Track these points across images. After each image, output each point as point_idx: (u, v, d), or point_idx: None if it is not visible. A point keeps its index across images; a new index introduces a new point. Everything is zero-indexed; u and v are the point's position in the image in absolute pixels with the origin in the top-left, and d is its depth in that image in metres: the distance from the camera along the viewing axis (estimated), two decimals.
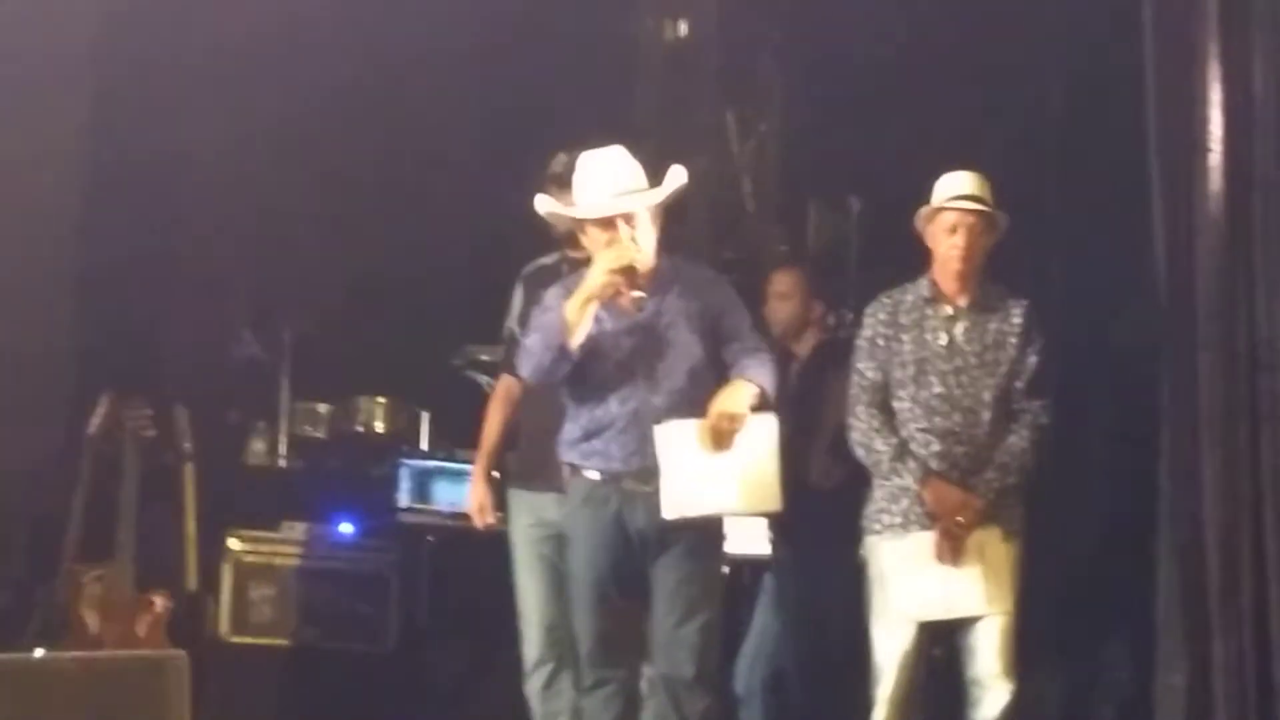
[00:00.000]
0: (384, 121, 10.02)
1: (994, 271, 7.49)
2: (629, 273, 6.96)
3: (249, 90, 10.09)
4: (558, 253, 7.62)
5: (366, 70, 10.11)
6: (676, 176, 7.11)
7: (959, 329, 7.37)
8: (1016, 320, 7.38)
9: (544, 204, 7.20)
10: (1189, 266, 7.22)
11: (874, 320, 7.47)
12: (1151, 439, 7.42)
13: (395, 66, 10.12)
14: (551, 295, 7.19)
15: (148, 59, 10.26)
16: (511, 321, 7.78)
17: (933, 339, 7.37)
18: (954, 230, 7.35)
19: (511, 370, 7.63)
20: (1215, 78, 7.17)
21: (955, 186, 7.39)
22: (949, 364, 7.34)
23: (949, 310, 7.39)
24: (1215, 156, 7.15)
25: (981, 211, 7.34)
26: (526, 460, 7.82)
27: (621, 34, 10.39)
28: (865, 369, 7.42)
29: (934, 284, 7.42)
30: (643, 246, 6.99)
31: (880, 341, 7.43)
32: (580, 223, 7.11)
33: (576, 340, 6.99)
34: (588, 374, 7.12)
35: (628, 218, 7.00)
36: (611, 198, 7.01)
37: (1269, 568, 6.93)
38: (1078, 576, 8.15)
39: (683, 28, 10.42)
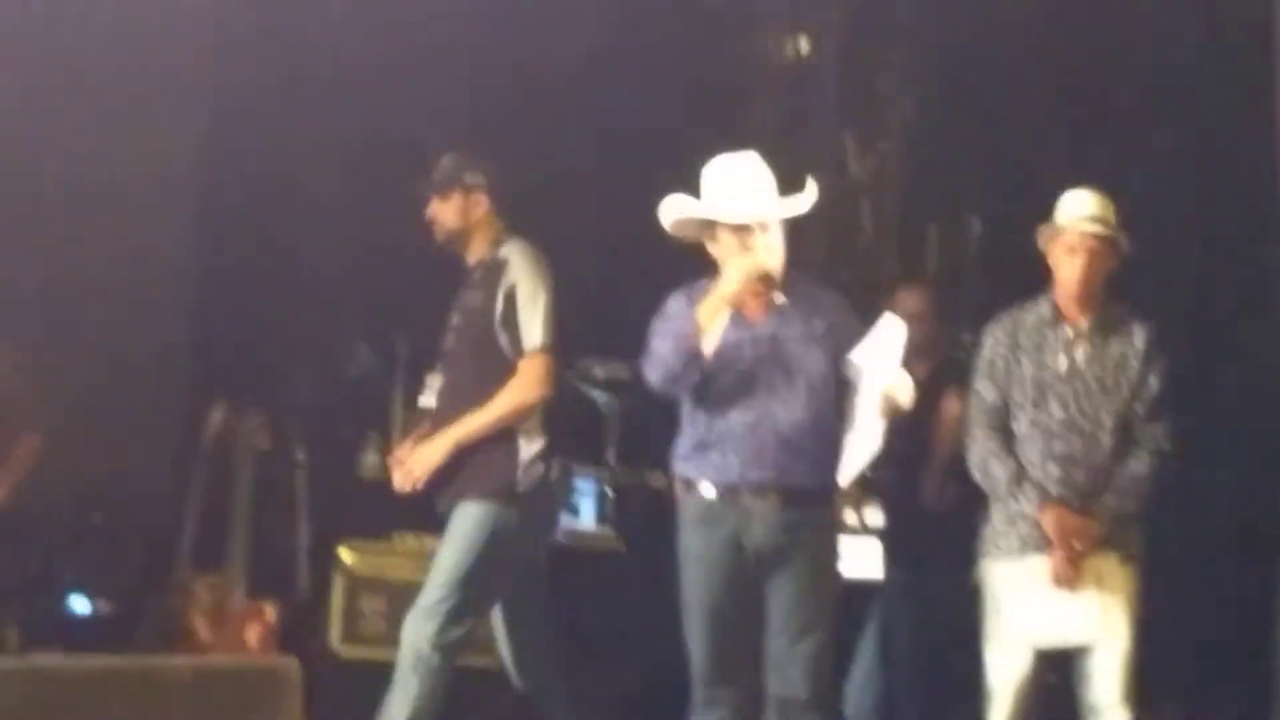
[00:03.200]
0: (506, 138, 10.01)
1: (1119, 291, 7.43)
2: (765, 279, 6.95)
3: (366, 108, 10.14)
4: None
5: (488, 88, 10.14)
6: (813, 190, 7.11)
7: (1080, 351, 7.31)
8: (1139, 343, 7.31)
9: (671, 206, 7.17)
10: None
11: (994, 340, 7.41)
12: (1275, 467, 7.37)
13: (520, 84, 10.15)
14: (674, 304, 7.19)
15: (264, 78, 10.35)
16: None
17: (1053, 361, 7.31)
18: (1074, 252, 7.28)
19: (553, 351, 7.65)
20: None
21: (1078, 207, 7.32)
22: (1069, 387, 7.27)
23: (1070, 332, 7.32)
24: None
25: (1105, 234, 7.27)
26: None
27: (743, 50, 10.37)
28: (984, 390, 7.36)
29: (1055, 305, 7.35)
30: (776, 254, 6.98)
31: (1000, 363, 7.37)
32: (711, 227, 7.10)
33: (710, 346, 6.98)
34: (709, 383, 7.10)
35: (763, 225, 7.00)
36: (749, 204, 7.02)
37: None
38: (1198, 605, 8.06)
39: (804, 45, 10.39)
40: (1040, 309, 7.39)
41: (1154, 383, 7.28)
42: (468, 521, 7.58)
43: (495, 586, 7.65)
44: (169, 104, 10.52)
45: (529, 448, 7.59)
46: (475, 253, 7.85)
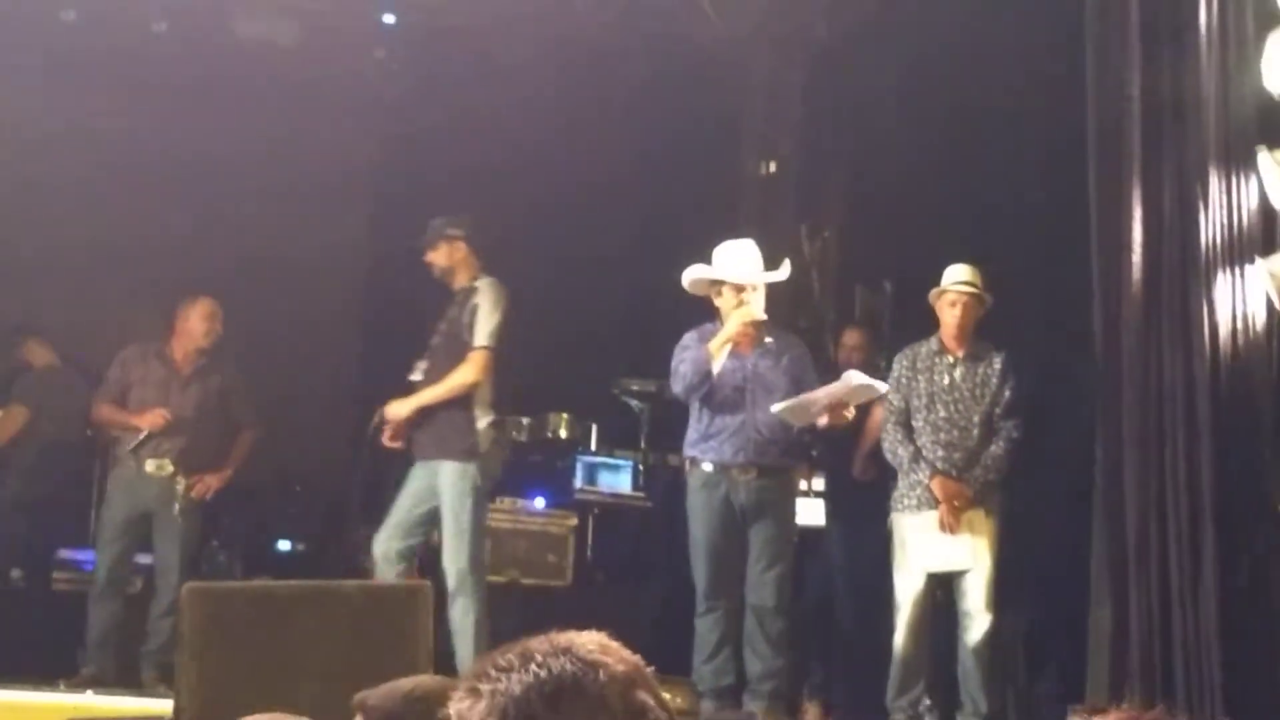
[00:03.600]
0: (566, 228, 10.04)
1: (983, 329, 7.46)
2: (755, 325, 7.05)
3: (494, 207, 10.10)
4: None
5: (564, 190, 10.09)
6: (787, 267, 7.22)
7: (957, 372, 7.36)
8: (997, 365, 7.37)
9: (694, 271, 7.24)
10: (1118, 328, 7.13)
11: (899, 365, 7.46)
12: (1090, 448, 7.34)
13: (579, 190, 10.13)
14: (688, 338, 7.29)
15: (418, 175, 10.32)
16: None
17: (939, 379, 7.35)
18: (954, 305, 7.34)
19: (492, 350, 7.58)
20: (1136, 201, 7.08)
21: (955, 275, 7.40)
22: (950, 396, 7.33)
23: (950, 359, 7.37)
24: (1136, 255, 7.08)
25: (973, 293, 7.33)
26: None
27: (729, 169, 10.37)
28: (893, 399, 7.40)
29: (940, 341, 7.40)
30: (761, 308, 7.07)
31: (903, 380, 7.41)
32: (718, 287, 7.15)
33: (716, 368, 7.08)
34: (714, 394, 7.18)
35: (754, 287, 7.09)
36: (747, 271, 7.09)
37: (1169, 539, 6.83)
38: (1038, 543, 8.03)
39: (772, 166, 10.39)
40: (930, 344, 7.43)
41: (1007, 393, 7.34)
42: (453, 477, 7.42)
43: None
44: (339, 199, 10.53)
45: (483, 420, 7.52)
46: (458, 282, 7.76)
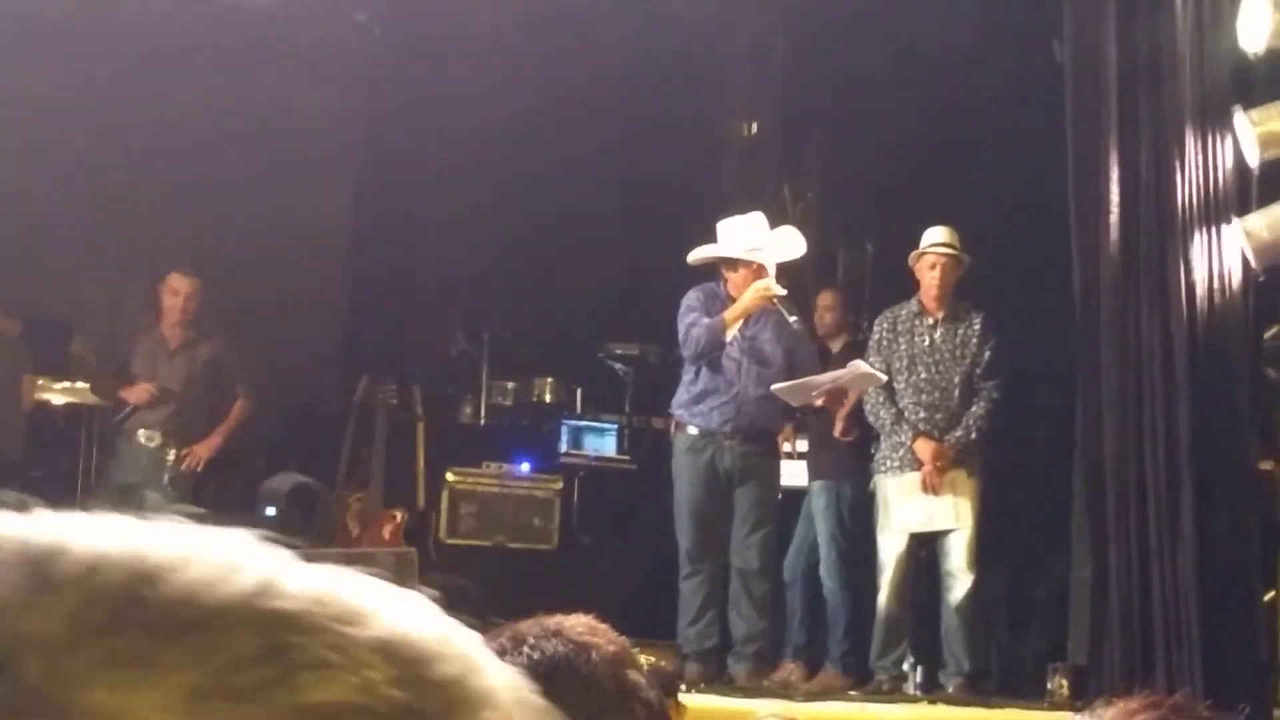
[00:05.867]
0: (550, 193, 10.04)
1: (963, 291, 7.52)
2: (773, 299, 7.09)
3: (478, 173, 10.12)
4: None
5: (547, 157, 10.13)
6: (801, 243, 7.33)
7: (938, 333, 7.41)
8: (977, 326, 7.42)
9: (709, 249, 7.30)
10: (1096, 288, 7.21)
11: (880, 328, 7.52)
12: (1070, 408, 7.43)
13: (563, 157, 10.14)
14: (691, 298, 7.32)
15: (401, 140, 10.33)
16: None
17: (920, 340, 7.41)
18: (933, 267, 7.39)
19: None
20: (1113, 161, 7.15)
21: (934, 236, 7.45)
22: (931, 357, 7.38)
23: (930, 321, 7.43)
24: (1113, 215, 7.15)
25: (952, 254, 7.39)
26: None
27: (713, 132, 10.39)
28: (874, 361, 7.46)
29: (920, 303, 7.46)
30: (775, 282, 7.11)
31: (884, 342, 7.47)
32: (733, 263, 7.20)
33: (729, 337, 7.13)
34: (711, 360, 7.25)
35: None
36: (770, 251, 7.16)
37: (1148, 498, 6.92)
38: (1020, 502, 8.12)
39: (754, 128, 10.43)
40: (911, 306, 7.49)
41: (987, 354, 7.39)
42: None
43: None
44: (324, 172, 10.52)
45: None
46: None
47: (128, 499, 8.20)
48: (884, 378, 7.31)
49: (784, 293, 7.18)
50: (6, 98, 9.41)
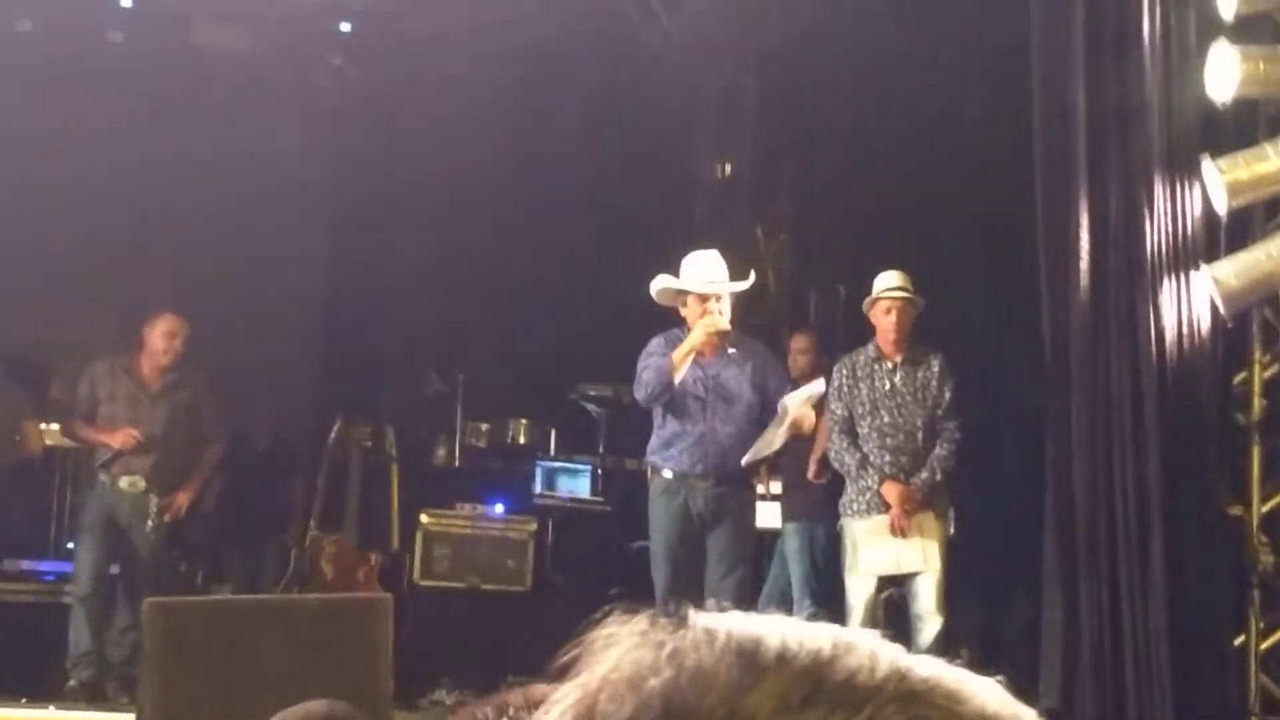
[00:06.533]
0: (524, 235, 10.09)
1: (925, 332, 7.57)
2: (720, 335, 7.11)
3: (452, 215, 10.17)
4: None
5: (521, 198, 10.18)
6: (752, 276, 7.28)
7: (897, 377, 7.44)
8: (935, 368, 7.44)
9: (660, 281, 7.29)
10: (1065, 333, 7.28)
11: (839, 375, 7.54)
12: (1040, 450, 7.48)
13: (537, 198, 10.21)
14: (654, 344, 7.30)
15: (376, 182, 10.37)
16: None
17: (880, 385, 7.43)
18: (889, 311, 7.43)
19: None
20: (1083, 208, 7.23)
21: (887, 280, 7.49)
22: (892, 401, 7.41)
23: (889, 365, 7.45)
24: (1083, 261, 7.23)
25: (906, 297, 7.43)
26: None
27: (687, 174, 10.46)
28: (836, 408, 7.48)
29: (878, 347, 7.49)
30: (726, 317, 7.14)
31: (845, 388, 7.48)
32: (684, 296, 7.22)
33: (678, 377, 7.13)
34: (676, 402, 7.24)
35: (718, 296, 7.14)
36: (713, 283, 7.16)
37: (1118, 540, 6.98)
38: (989, 543, 8.16)
39: (728, 169, 10.50)
40: (868, 351, 7.52)
41: (947, 394, 7.41)
42: None
43: None
44: (298, 217, 10.55)
45: None
46: None
47: (114, 542, 8.22)
48: (819, 384, 7.30)
49: (728, 327, 7.18)
50: None
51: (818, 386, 7.29)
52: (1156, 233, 6.98)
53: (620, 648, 0.97)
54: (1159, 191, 6.98)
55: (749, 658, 0.91)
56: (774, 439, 7.20)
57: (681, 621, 0.96)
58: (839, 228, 9.62)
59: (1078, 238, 7.22)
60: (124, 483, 8.23)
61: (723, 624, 0.94)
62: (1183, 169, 6.96)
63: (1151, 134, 7.02)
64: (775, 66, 10.01)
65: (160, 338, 8.35)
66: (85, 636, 8.09)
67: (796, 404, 7.17)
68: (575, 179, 10.11)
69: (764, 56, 10.09)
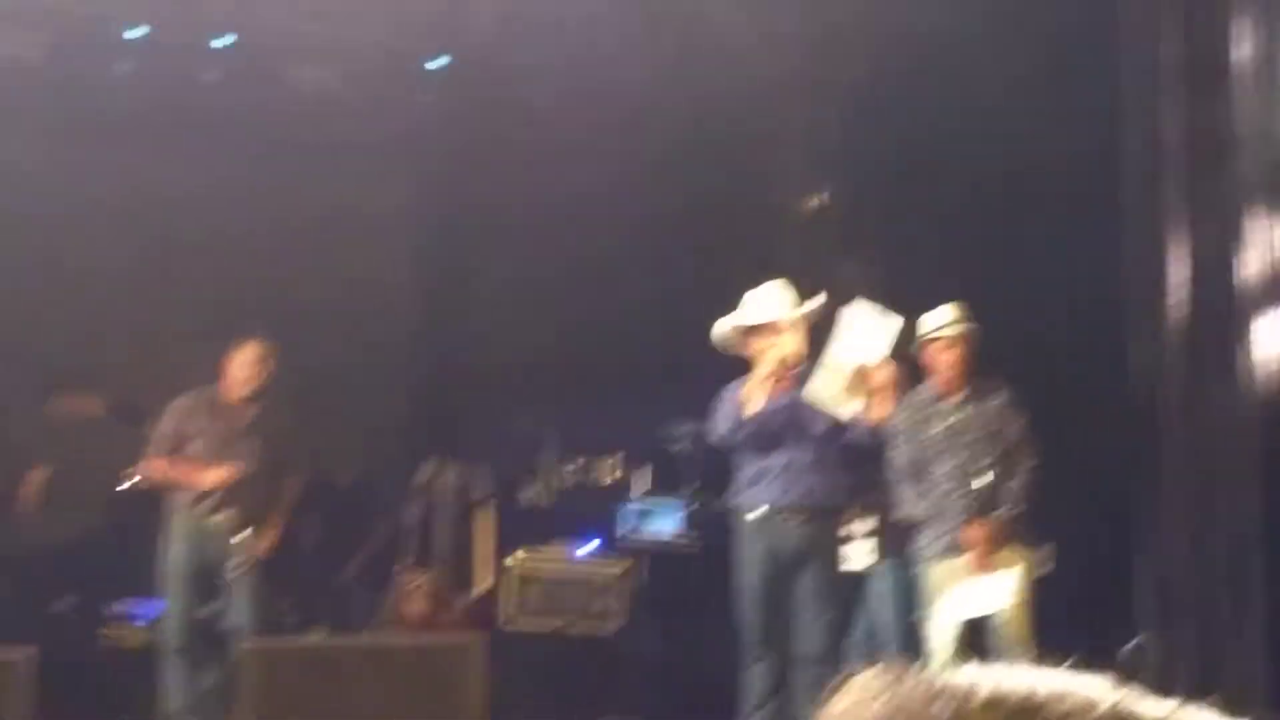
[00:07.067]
0: (613, 272, 10.10)
1: (993, 365, 7.41)
2: (786, 363, 7.03)
3: (541, 252, 10.19)
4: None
5: (611, 233, 10.19)
6: (816, 300, 7.18)
7: (964, 414, 7.31)
8: (1003, 403, 7.32)
9: (721, 324, 7.24)
10: (1157, 368, 7.21)
11: (902, 416, 7.28)
12: (1125, 484, 7.39)
13: (627, 233, 10.21)
14: (728, 391, 7.27)
15: (464, 218, 10.40)
16: None
17: (949, 424, 7.30)
18: (951, 347, 7.32)
19: None
20: (1175, 243, 7.17)
21: (943, 317, 7.37)
22: (961, 440, 7.28)
23: (955, 401, 7.34)
24: (1176, 295, 7.15)
25: (966, 330, 7.33)
26: None
27: (772, 210, 10.42)
28: (895, 458, 7.34)
29: (940, 385, 7.37)
30: (797, 346, 7.06)
31: (908, 430, 7.30)
32: (748, 336, 7.16)
33: (751, 411, 7.07)
34: (754, 439, 7.19)
35: (784, 327, 7.07)
36: (770, 311, 7.10)
37: (1215, 577, 6.89)
38: (1082, 579, 8.06)
39: (814, 204, 10.46)
40: (927, 391, 7.41)
41: (1017, 427, 7.30)
42: None
43: None
44: (378, 253, 10.63)
45: None
46: None
47: (203, 585, 8.07)
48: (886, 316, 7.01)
49: (796, 351, 7.07)
50: (87, 179, 9.61)
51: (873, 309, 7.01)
52: (1251, 265, 6.89)
53: (845, 699, 1.04)
54: (1253, 223, 6.89)
55: (962, 701, 0.98)
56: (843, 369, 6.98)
57: (900, 672, 1.04)
58: (925, 259, 9.55)
59: (1168, 272, 7.15)
60: (213, 520, 7.99)
61: (938, 674, 1.01)
62: (1277, 200, 6.88)
63: (1246, 165, 6.94)
64: (859, 99, 9.99)
65: (246, 364, 8.14)
66: (180, 695, 7.91)
67: (861, 314, 6.97)
68: (664, 212, 10.12)
69: (848, 87, 10.06)
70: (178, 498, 8.14)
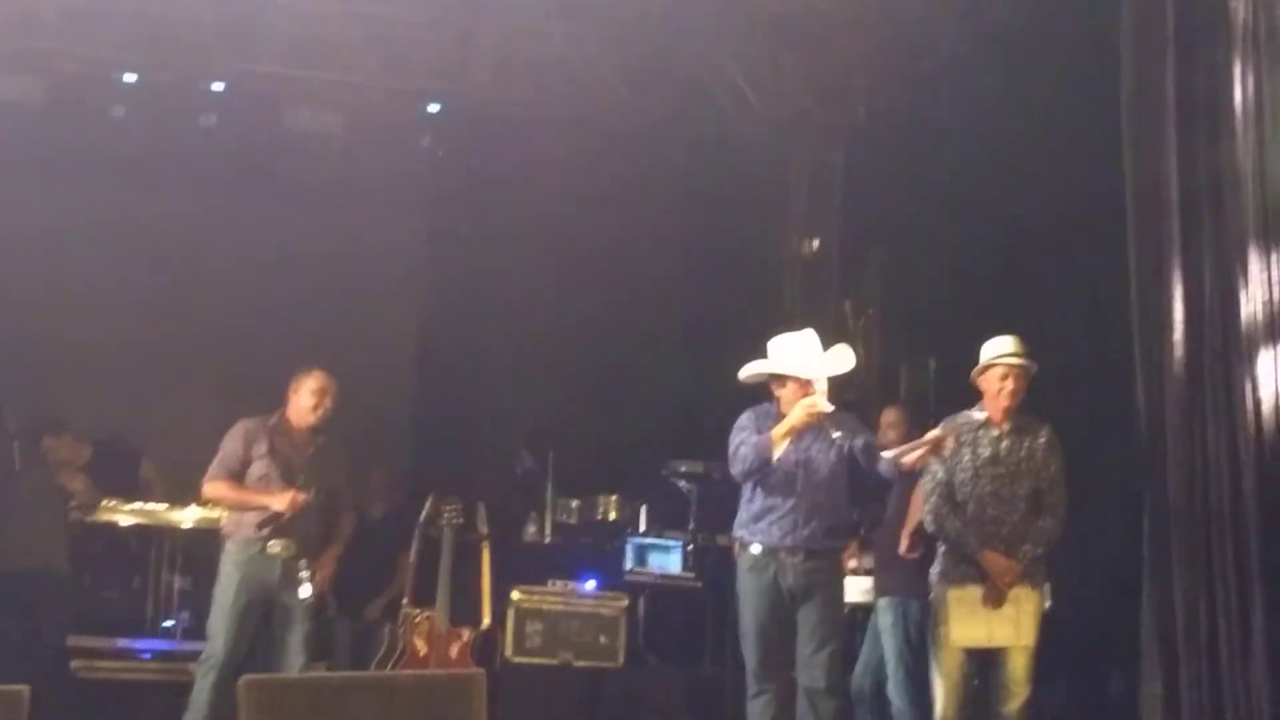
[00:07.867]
0: (615, 313, 10.14)
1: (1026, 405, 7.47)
2: (821, 416, 7.07)
3: (543, 294, 10.20)
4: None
5: (612, 274, 10.22)
6: (852, 357, 7.24)
7: (1003, 445, 7.30)
8: (1042, 440, 7.33)
9: (756, 366, 7.25)
10: (1160, 406, 7.22)
11: (950, 433, 7.35)
12: (1133, 520, 7.40)
13: (627, 274, 10.24)
14: (744, 419, 7.29)
15: (465, 261, 10.41)
16: None
17: (985, 452, 7.32)
18: (1006, 377, 7.31)
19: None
20: (1177, 280, 7.19)
21: (1003, 347, 7.36)
22: (996, 470, 7.27)
23: (996, 432, 7.32)
24: (1177, 333, 7.18)
25: (1024, 364, 7.35)
26: None
27: (773, 252, 10.49)
28: (937, 471, 7.37)
29: (990, 412, 7.39)
30: (826, 398, 7.11)
31: (946, 454, 7.39)
32: (781, 379, 7.22)
33: (777, 455, 7.11)
34: (768, 477, 7.22)
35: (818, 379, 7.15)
36: (816, 366, 7.13)
37: (1218, 614, 6.89)
38: (1085, 615, 8.07)
39: (815, 245, 10.50)
40: (978, 414, 7.42)
41: (1053, 467, 7.30)
42: None
43: None
44: (391, 294, 10.64)
45: None
46: None
47: (261, 610, 7.86)
48: (979, 416, 7.19)
49: (831, 409, 7.15)
50: (86, 225, 9.62)
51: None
52: (1252, 303, 6.92)
53: None
54: (1254, 262, 6.92)
55: None
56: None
57: None
58: (927, 301, 9.60)
59: (1171, 310, 7.17)
60: (274, 547, 7.81)
61: None
62: (1277, 238, 6.90)
63: (1246, 204, 6.97)
64: (863, 144, 10.04)
65: (310, 394, 8.00)
66: (206, 712, 7.68)
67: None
68: (664, 259, 10.17)
69: (852, 134, 10.12)
70: (237, 521, 7.97)
